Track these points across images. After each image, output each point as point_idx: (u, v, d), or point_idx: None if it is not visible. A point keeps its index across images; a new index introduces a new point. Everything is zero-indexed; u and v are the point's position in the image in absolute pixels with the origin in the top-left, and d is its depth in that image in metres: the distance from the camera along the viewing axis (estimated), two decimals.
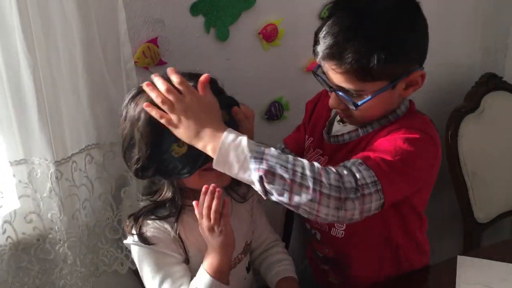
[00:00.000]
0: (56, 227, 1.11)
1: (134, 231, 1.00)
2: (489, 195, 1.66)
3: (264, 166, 0.82)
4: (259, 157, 0.83)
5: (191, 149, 0.91)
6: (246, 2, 1.33)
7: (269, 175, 0.82)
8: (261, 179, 0.83)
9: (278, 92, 1.49)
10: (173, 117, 0.88)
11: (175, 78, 0.90)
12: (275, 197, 0.84)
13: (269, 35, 1.40)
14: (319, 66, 1.01)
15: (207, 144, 0.87)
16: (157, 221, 1.01)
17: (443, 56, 1.75)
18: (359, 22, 0.92)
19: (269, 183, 0.82)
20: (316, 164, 0.87)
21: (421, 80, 0.99)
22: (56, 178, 1.08)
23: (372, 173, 0.87)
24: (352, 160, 0.91)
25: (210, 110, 0.91)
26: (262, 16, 1.38)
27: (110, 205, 1.23)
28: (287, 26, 1.41)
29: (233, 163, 0.84)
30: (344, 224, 1.11)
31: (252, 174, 0.83)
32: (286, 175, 0.82)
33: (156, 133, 0.93)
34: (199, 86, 0.92)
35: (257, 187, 0.84)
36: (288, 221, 1.46)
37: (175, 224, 1.01)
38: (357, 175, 0.86)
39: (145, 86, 0.91)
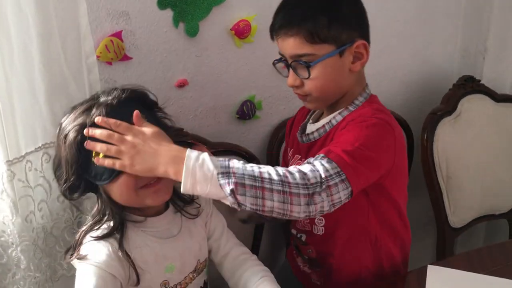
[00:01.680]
0: (9, 230, 1.05)
1: (70, 253, 0.95)
2: (463, 199, 1.64)
3: (232, 179, 0.85)
4: (225, 172, 0.85)
5: None
6: None
7: (240, 186, 0.85)
8: (232, 192, 0.85)
9: (251, 91, 1.44)
10: (125, 159, 0.87)
11: (109, 124, 0.88)
12: (248, 207, 0.86)
13: (241, 31, 1.34)
14: (280, 59, 1.10)
15: (167, 168, 0.86)
16: (101, 240, 0.94)
17: (421, 57, 1.73)
18: None
19: (241, 194, 0.85)
20: (278, 167, 0.90)
21: (366, 52, 1.06)
22: (8, 178, 1.02)
23: (334, 165, 0.92)
24: (316, 156, 0.96)
25: (157, 136, 0.89)
26: (235, 12, 1.33)
27: (69, 207, 1.16)
28: (261, 22, 1.35)
29: (201, 182, 0.85)
30: (323, 220, 1.15)
31: (223, 189, 0.85)
32: (255, 184, 0.86)
33: (84, 157, 0.90)
34: (134, 120, 0.90)
35: (229, 200, 0.86)
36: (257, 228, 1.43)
37: (121, 240, 0.94)
38: (320, 169, 0.91)
39: (87, 144, 0.88)
